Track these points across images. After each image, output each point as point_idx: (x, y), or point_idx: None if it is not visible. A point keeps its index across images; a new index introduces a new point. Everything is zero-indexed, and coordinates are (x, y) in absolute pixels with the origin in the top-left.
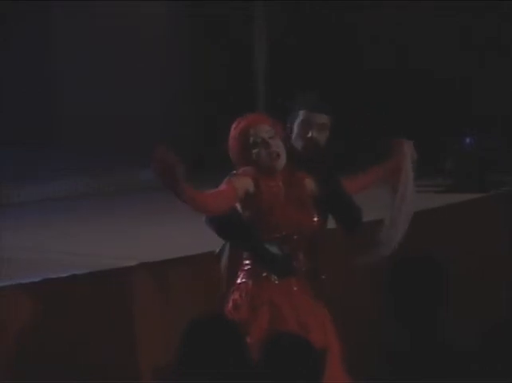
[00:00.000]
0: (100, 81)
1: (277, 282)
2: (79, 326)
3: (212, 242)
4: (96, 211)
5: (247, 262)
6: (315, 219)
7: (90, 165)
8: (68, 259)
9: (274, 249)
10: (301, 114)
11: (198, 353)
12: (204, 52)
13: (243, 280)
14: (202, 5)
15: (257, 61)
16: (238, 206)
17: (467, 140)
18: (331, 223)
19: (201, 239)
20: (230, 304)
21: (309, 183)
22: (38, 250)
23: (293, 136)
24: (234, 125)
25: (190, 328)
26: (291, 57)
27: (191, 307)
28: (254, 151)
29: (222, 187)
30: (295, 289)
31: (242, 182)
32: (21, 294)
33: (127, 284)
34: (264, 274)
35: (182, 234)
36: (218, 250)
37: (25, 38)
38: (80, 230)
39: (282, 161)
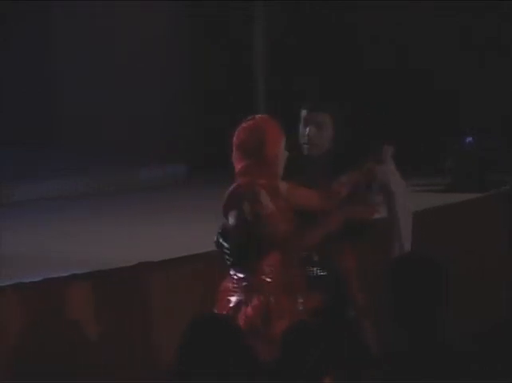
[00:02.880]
0: (100, 81)
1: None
2: (79, 326)
3: (212, 242)
4: (96, 211)
5: (242, 276)
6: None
7: (90, 165)
8: (68, 259)
9: None
10: (301, 113)
11: (199, 353)
12: (204, 52)
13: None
14: (202, 5)
15: (257, 62)
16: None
17: (467, 140)
18: None
19: (201, 239)
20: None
21: (291, 195)
22: (38, 250)
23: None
24: (273, 125)
25: (189, 328)
26: (291, 57)
27: (190, 307)
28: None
29: (275, 219)
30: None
31: (268, 199)
32: (21, 293)
33: (127, 284)
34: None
35: (182, 234)
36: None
37: (25, 38)
38: (80, 230)
39: None
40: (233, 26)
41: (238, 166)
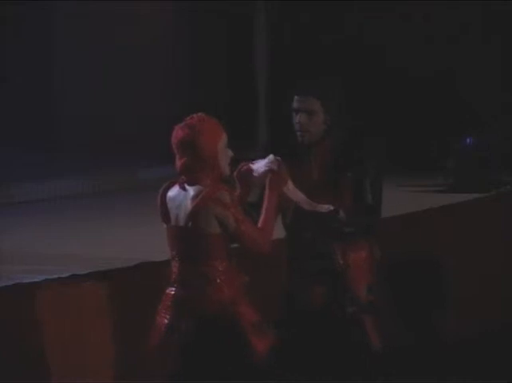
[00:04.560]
0: (100, 81)
1: None
2: (79, 326)
3: None
4: (96, 211)
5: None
6: None
7: (90, 165)
8: (68, 259)
9: None
10: (293, 101)
11: (200, 353)
12: (205, 51)
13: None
14: (203, 5)
15: (258, 61)
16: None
17: (468, 139)
18: None
19: None
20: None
21: None
22: (38, 250)
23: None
24: (210, 122)
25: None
26: (291, 56)
27: None
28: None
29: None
30: None
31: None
32: (21, 294)
33: (127, 284)
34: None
35: None
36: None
37: (25, 39)
38: (80, 230)
39: None
40: (233, 26)
41: (178, 163)
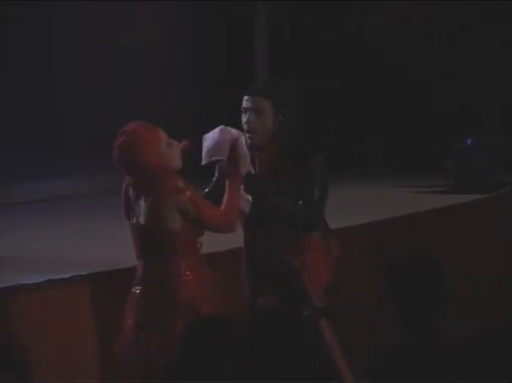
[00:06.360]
0: (100, 82)
1: None
2: (80, 326)
3: (211, 242)
4: (96, 211)
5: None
6: None
7: (90, 165)
8: (68, 259)
9: None
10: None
11: (199, 353)
12: (205, 51)
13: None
14: (203, 5)
15: (258, 61)
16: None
17: (468, 140)
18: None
19: (200, 239)
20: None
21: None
22: (39, 251)
23: None
24: (150, 133)
25: (190, 328)
26: (291, 56)
27: None
28: None
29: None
30: None
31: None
32: (21, 294)
33: (127, 284)
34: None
35: None
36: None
37: (25, 38)
38: (80, 230)
39: None
40: (233, 26)
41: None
